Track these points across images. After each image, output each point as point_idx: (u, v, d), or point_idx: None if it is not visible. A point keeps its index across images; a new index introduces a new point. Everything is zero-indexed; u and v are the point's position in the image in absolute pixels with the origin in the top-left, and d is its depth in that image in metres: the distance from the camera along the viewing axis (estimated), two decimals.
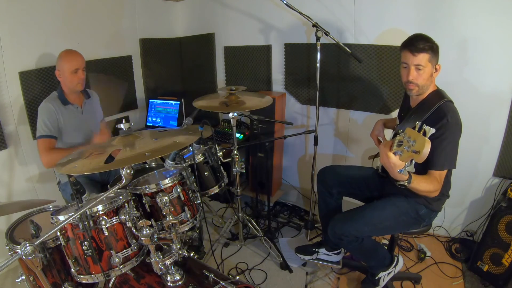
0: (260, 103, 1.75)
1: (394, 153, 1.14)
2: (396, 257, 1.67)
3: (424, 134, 1.02)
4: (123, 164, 0.99)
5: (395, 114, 2.19)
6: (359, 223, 1.48)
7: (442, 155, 1.30)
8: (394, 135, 1.51)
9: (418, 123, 1.06)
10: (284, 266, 1.99)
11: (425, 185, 1.29)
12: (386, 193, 1.59)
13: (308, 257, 1.89)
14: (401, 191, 1.40)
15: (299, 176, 2.82)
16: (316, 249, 1.87)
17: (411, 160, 1.08)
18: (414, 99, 1.48)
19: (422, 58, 1.33)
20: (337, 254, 1.86)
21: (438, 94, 1.39)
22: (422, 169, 1.32)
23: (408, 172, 1.24)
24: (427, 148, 1.00)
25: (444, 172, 1.33)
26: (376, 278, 1.63)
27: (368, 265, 1.67)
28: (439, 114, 1.31)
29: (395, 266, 1.66)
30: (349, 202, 1.86)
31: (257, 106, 1.73)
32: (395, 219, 1.48)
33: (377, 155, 1.81)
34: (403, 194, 1.45)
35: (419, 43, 1.33)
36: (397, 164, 1.15)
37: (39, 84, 2.03)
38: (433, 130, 1.03)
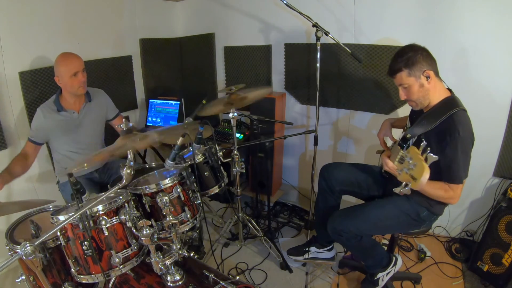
0: (261, 93, 1.80)
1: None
2: (394, 257, 1.67)
3: (426, 160, 0.99)
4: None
5: (394, 114, 2.20)
6: (359, 220, 1.48)
7: (458, 169, 1.28)
8: (403, 138, 1.50)
9: (423, 145, 1.03)
10: (284, 266, 1.99)
11: (433, 190, 1.30)
12: (387, 193, 1.59)
13: (300, 258, 1.89)
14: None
15: (299, 176, 2.82)
16: (307, 249, 1.87)
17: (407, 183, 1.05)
18: (426, 105, 1.46)
19: (400, 77, 1.35)
20: (329, 250, 1.86)
21: (450, 101, 1.36)
22: (435, 178, 1.30)
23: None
24: (424, 177, 0.97)
25: (463, 184, 1.32)
26: (375, 278, 1.63)
27: (366, 264, 1.67)
28: (450, 124, 1.28)
29: (393, 266, 1.66)
30: (347, 202, 1.86)
31: (259, 96, 1.77)
32: (395, 219, 1.48)
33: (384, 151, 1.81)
34: (405, 195, 1.45)
35: (392, 64, 1.36)
36: (391, 164, 1.22)
37: (39, 84, 2.03)
38: (435, 158, 1.00)
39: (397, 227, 1.55)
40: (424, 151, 1.01)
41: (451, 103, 1.35)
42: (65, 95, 1.80)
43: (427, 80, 1.33)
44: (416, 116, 1.53)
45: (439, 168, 1.32)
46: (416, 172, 1.00)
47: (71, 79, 1.71)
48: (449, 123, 1.29)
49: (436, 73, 1.36)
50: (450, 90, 1.42)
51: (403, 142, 1.48)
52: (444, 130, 1.29)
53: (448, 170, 1.29)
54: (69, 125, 1.81)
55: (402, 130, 1.69)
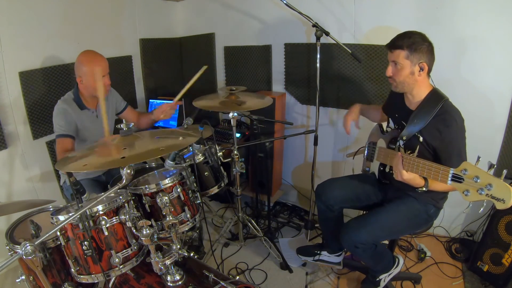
0: (260, 104, 1.76)
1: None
2: (397, 258, 1.67)
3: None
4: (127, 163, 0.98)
5: None
6: (374, 228, 1.43)
7: (459, 154, 1.32)
8: (392, 139, 1.49)
9: (480, 158, 1.00)
10: (284, 266, 1.99)
11: (445, 185, 1.30)
12: (390, 198, 1.58)
13: (309, 258, 1.89)
14: (408, 193, 1.44)
15: (299, 176, 2.82)
16: (318, 251, 1.86)
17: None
18: (409, 99, 1.46)
19: (398, 54, 1.34)
20: (338, 255, 1.86)
21: (436, 94, 1.38)
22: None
23: (424, 177, 1.27)
24: None
25: None
26: (377, 279, 1.63)
27: (374, 269, 1.64)
28: (445, 115, 1.31)
29: (396, 267, 1.66)
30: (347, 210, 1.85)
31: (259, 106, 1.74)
32: (409, 221, 1.47)
33: (357, 152, 1.79)
34: (411, 196, 1.46)
35: (397, 40, 1.35)
36: (410, 177, 1.24)
37: (39, 84, 2.03)
38: (504, 172, 0.96)
39: (409, 229, 1.54)
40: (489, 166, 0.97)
41: (437, 95, 1.37)
42: (84, 94, 1.74)
43: (419, 71, 1.34)
44: (399, 115, 1.52)
45: (437, 157, 1.36)
46: (499, 193, 0.94)
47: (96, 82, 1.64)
48: (443, 114, 1.32)
49: (429, 71, 1.38)
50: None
51: (393, 144, 1.49)
52: (440, 122, 1.31)
53: (455, 157, 1.32)
54: (91, 124, 1.79)
55: (379, 130, 1.65)
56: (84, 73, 1.64)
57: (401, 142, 1.45)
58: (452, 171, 1.07)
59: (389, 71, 1.41)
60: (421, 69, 1.34)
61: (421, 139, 1.37)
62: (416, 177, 1.26)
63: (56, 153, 1.69)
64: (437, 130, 1.32)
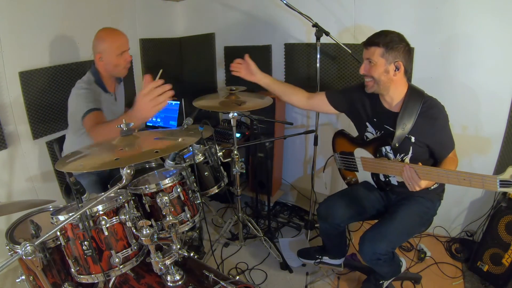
0: (261, 103, 1.78)
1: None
2: (400, 261, 1.66)
3: None
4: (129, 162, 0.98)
5: None
6: (394, 237, 1.40)
7: (450, 138, 1.38)
8: (378, 146, 1.49)
9: None
10: (284, 266, 1.99)
11: (456, 167, 1.37)
12: (395, 201, 1.57)
13: (311, 261, 1.89)
14: (414, 195, 1.45)
15: (299, 176, 2.82)
16: (319, 256, 1.86)
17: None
18: (388, 101, 1.44)
19: (373, 52, 1.33)
20: (340, 258, 1.86)
21: (414, 91, 1.39)
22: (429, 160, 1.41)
23: None
24: None
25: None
26: (380, 282, 1.62)
27: (382, 274, 1.61)
28: (430, 110, 1.34)
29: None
30: None
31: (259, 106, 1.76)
32: (421, 219, 1.48)
33: (326, 165, 1.82)
34: (419, 196, 1.47)
35: (374, 37, 1.34)
36: (426, 183, 1.27)
37: (39, 84, 2.03)
38: None
39: (421, 227, 1.52)
40: None
41: (416, 92, 1.38)
42: (104, 75, 1.61)
43: (395, 70, 1.33)
44: (379, 119, 1.50)
45: (430, 151, 1.40)
46: None
47: (117, 57, 1.54)
48: (428, 109, 1.34)
49: (405, 72, 1.37)
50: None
51: (379, 153, 1.49)
52: (428, 118, 1.34)
53: (448, 144, 1.39)
54: (110, 108, 1.68)
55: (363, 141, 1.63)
56: (103, 49, 1.54)
57: (388, 148, 1.44)
58: (499, 179, 1.07)
59: (362, 69, 1.39)
60: (397, 68, 1.33)
61: (412, 139, 1.37)
62: (429, 185, 1.29)
63: (88, 130, 1.44)
64: (427, 126, 1.34)
